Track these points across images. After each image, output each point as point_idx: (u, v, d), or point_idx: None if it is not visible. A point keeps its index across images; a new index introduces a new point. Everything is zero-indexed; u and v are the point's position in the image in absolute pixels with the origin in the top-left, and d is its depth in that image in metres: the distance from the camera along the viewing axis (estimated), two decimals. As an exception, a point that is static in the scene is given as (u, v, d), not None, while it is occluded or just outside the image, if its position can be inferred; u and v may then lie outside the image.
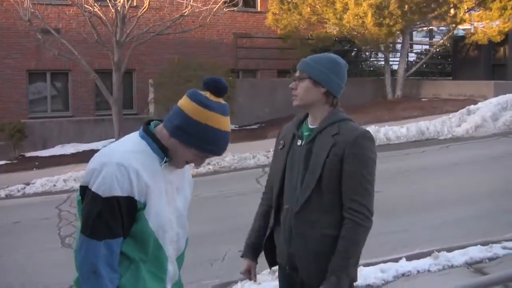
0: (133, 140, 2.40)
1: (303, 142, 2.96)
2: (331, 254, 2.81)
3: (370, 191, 2.84)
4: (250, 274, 3.15)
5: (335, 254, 2.80)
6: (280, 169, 3.02)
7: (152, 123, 2.45)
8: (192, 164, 2.48)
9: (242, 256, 3.21)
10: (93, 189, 2.25)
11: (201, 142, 2.32)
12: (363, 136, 2.86)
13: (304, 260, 2.89)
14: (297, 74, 2.97)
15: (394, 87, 18.93)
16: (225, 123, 2.36)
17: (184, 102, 2.36)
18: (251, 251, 3.17)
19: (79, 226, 2.32)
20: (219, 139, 2.34)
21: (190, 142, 2.33)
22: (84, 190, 2.30)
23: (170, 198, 2.43)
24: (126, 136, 2.49)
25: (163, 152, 2.37)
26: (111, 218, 2.25)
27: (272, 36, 19.74)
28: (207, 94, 2.35)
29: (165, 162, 2.38)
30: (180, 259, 2.59)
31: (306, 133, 2.99)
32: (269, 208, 3.14)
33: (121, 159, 2.28)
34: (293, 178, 2.94)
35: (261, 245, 3.13)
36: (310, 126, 2.99)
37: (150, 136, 2.38)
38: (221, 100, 2.37)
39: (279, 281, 3.19)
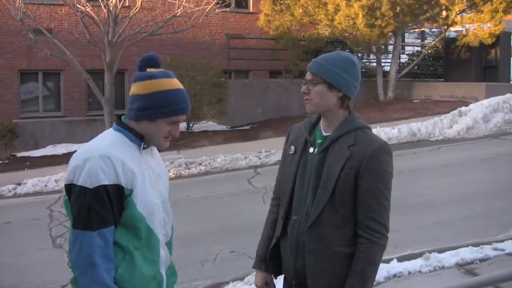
0: (110, 135, 2.49)
1: (316, 150, 2.77)
2: (343, 272, 2.66)
3: (387, 207, 2.68)
4: None
5: (351, 275, 2.64)
6: (291, 178, 2.81)
7: (122, 117, 2.55)
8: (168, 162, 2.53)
9: (254, 267, 3.01)
10: (79, 184, 2.30)
11: (163, 108, 2.42)
12: (381, 149, 2.69)
13: (315, 277, 2.69)
14: (308, 76, 2.73)
15: (385, 88, 18.97)
16: (173, 83, 2.47)
17: (132, 88, 2.48)
18: (265, 263, 2.95)
19: (71, 227, 2.34)
20: (175, 97, 2.44)
21: (155, 114, 2.43)
22: (70, 188, 2.34)
23: (154, 184, 2.51)
24: (101, 134, 2.56)
25: (140, 139, 2.47)
26: (102, 207, 2.30)
27: (264, 37, 19.74)
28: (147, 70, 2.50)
29: (143, 148, 2.48)
30: (169, 245, 2.65)
31: (319, 141, 2.78)
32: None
33: (104, 151, 2.35)
34: (303, 188, 2.76)
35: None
36: (324, 133, 2.79)
37: (124, 128, 2.48)
38: (161, 69, 2.51)
39: None
